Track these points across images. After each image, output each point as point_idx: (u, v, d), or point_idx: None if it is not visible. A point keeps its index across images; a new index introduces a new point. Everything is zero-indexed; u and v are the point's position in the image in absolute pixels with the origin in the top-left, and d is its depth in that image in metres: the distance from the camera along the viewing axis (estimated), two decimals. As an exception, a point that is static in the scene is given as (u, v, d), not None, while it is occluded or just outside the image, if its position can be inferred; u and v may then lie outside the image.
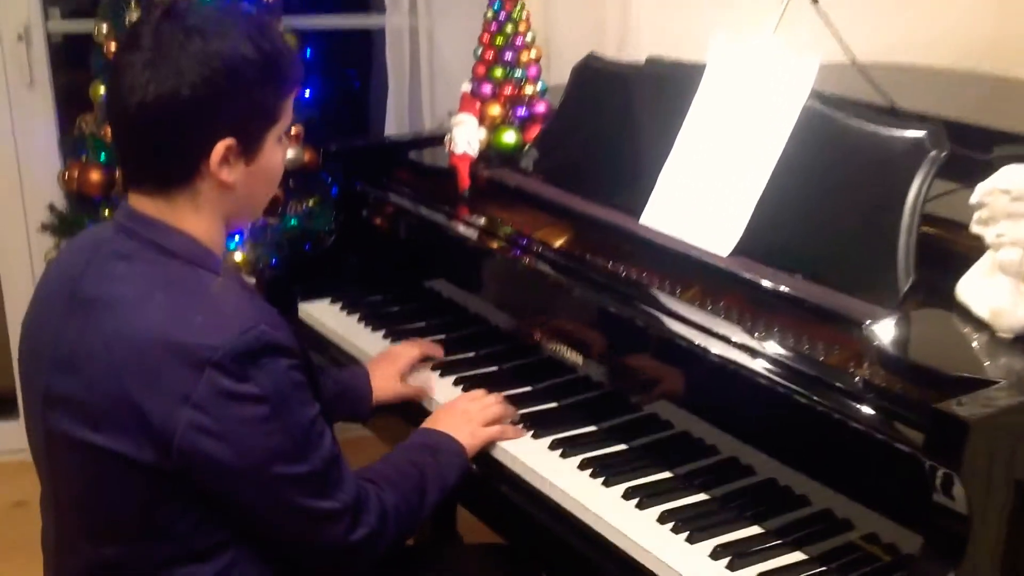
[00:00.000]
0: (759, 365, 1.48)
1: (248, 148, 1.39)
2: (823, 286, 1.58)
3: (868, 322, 1.48)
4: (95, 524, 1.41)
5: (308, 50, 3.13)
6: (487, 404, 1.70)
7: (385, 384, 1.84)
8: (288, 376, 1.33)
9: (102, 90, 2.63)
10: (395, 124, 2.85)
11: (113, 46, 2.60)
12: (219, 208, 1.42)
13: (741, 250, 1.70)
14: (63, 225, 2.69)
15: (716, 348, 1.53)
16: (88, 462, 1.35)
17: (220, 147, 1.36)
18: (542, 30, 2.73)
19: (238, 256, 2.55)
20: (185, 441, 1.29)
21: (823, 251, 1.62)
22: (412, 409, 1.86)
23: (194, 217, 1.40)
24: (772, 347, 1.50)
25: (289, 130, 1.48)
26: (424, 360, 1.92)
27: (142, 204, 1.40)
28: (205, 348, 1.28)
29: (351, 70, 3.55)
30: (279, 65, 1.40)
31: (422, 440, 1.61)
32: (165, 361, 1.28)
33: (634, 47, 2.71)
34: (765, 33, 1.98)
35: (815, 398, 1.40)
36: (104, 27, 2.63)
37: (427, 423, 1.67)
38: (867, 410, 1.36)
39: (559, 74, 2.70)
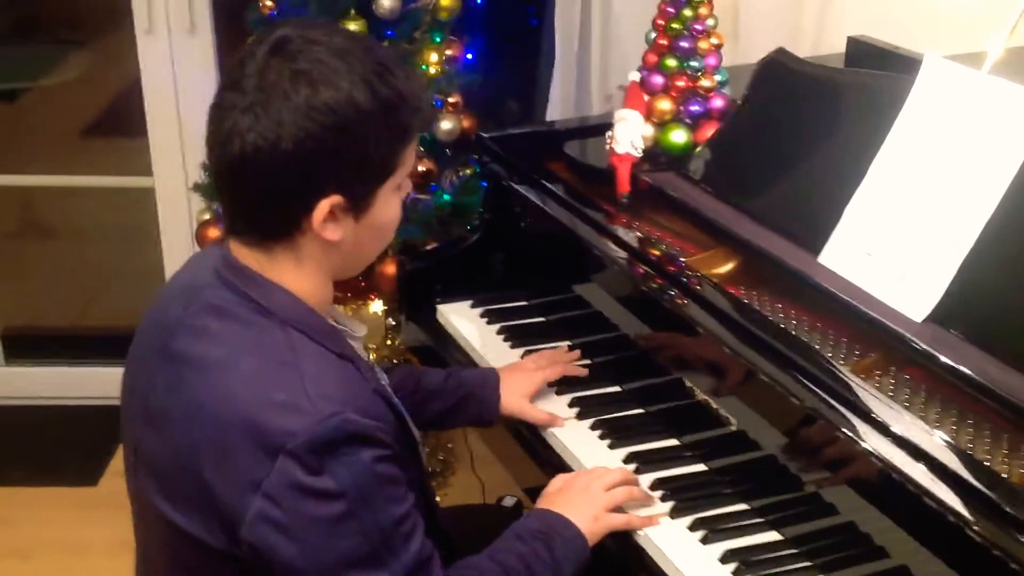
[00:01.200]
0: (928, 478, 1.24)
1: (357, 204, 1.23)
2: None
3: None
4: None
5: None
6: (612, 483, 1.48)
7: (514, 399, 1.69)
8: (371, 470, 1.17)
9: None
10: (560, 96, 2.62)
11: (269, 2, 2.47)
12: (323, 264, 1.26)
13: (937, 317, 1.44)
14: (213, 188, 2.60)
15: (879, 443, 1.29)
16: (168, 539, 1.25)
17: (324, 205, 1.20)
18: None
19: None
20: (252, 532, 1.16)
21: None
22: (526, 430, 1.72)
23: (295, 272, 1.25)
24: (950, 455, 1.25)
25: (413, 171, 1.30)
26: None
27: (242, 254, 1.26)
28: (281, 433, 1.14)
29: (528, 19, 3.31)
30: (399, 114, 1.22)
31: (534, 526, 1.42)
32: (241, 441, 1.15)
33: (837, 22, 2.39)
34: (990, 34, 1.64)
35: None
36: (262, -19, 2.50)
37: (541, 502, 1.48)
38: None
39: (748, 49, 2.43)
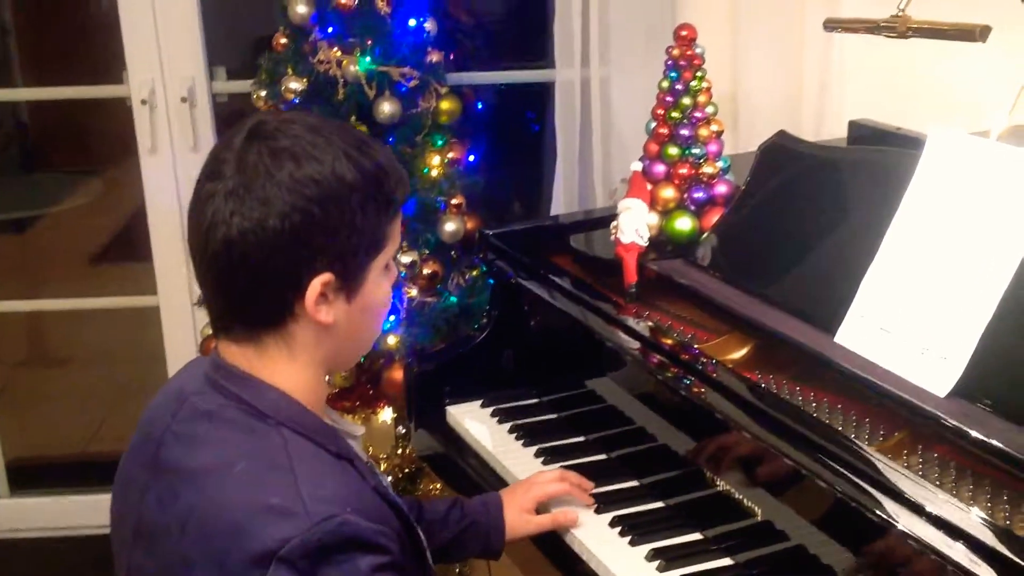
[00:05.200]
0: (968, 559, 1.17)
1: (349, 282, 1.19)
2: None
3: None
4: None
5: (479, 103, 2.97)
6: None
7: (519, 519, 1.61)
8: None
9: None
10: (564, 192, 2.61)
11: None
12: (317, 353, 1.22)
13: (961, 390, 1.39)
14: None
15: (915, 525, 1.23)
16: None
17: (316, 284, 1.16)
18: (729, 80, 2.44)
19: (391, 340, 2.37)
20: None
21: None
22: (549, 540, 1.63)
23: (288, 366, 1.21)
24: (988, 532, 1.18)
25: (397, 254, 1.27)
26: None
27: (231, 352, 1.22)
28: (273, 540, 1.08)
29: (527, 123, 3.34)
30: (383, 185, 1.19)
31: None
32: (233, 551, 1.10)
33: (837, 105, 2.39)
34: (991, 114, 1.63)
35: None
36: (263, 93, 2.52)
37: None
38: None
39: (749, 140, 2.42)
